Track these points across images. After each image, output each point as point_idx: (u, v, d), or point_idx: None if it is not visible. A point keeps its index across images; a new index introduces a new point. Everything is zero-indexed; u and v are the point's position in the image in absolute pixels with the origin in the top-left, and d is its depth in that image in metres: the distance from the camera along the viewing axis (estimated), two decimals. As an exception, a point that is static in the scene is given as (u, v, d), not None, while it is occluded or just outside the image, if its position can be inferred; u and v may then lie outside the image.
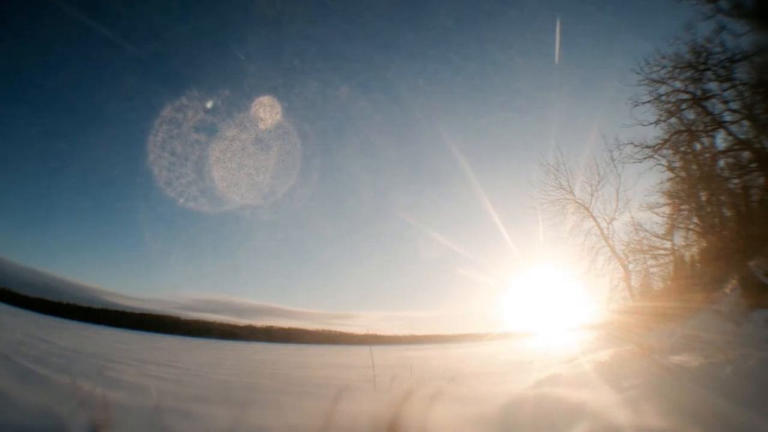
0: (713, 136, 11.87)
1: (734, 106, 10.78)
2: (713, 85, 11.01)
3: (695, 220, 13.47)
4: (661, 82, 11.66)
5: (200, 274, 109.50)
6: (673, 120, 12.04)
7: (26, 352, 9.40)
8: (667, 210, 14.06)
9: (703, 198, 12.94)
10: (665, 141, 12.27)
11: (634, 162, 13.01)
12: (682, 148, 12.70)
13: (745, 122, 10.68)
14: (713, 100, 11.11)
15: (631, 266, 14.42)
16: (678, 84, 11.56)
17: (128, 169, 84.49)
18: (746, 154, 10.96)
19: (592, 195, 14.68)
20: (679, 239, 14.16)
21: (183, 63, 72.08)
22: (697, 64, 10.94)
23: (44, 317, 36.58)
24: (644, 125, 12.17)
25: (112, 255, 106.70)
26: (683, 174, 13.38)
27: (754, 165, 10.65)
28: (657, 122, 12.04)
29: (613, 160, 14.00)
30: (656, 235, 14.23)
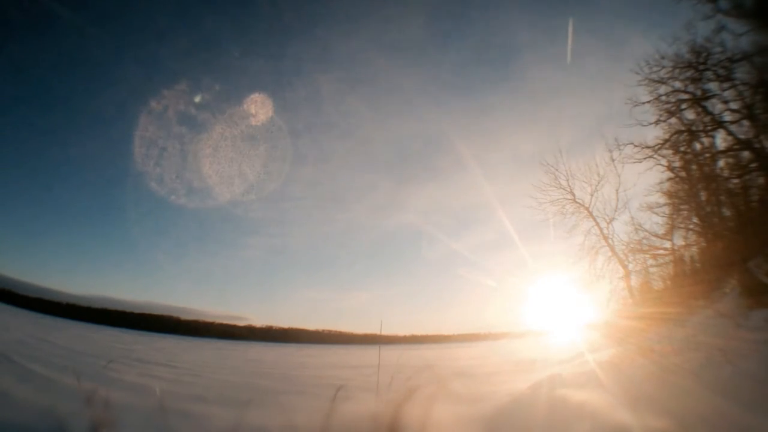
0: (713, 136, 11.83)
1: (734, 106, 10.74)
2: (713, 85, 10.97)
3: (695, 220, 13.42)
4: (661, 82, 11.63)
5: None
6: (673, 120, 12.01)
7: (26, 352, 9.37)
8: (667, 210, 14.03)
9: (703, 198, 12.88)
10: (665, 141, 12.23)
11: (634, 162, 12.95)
12: (682, 148, 12.65)
13: (745, 122, 10.64)
14: (713, 100, 11.07)
15: (631, 266, 14.40)
16: (678, 84, 11.52)
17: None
18: (746, 154, 10.92)
19: (592, 195, 14.67)
20: (679, 239, 14.12)
21: (180, 61, 72.01)
22: (697, 64, 10.91)
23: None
24: (644, 125, 12.14)
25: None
26: (683, 174, 13.32)
27: (754, 165, 10.62)
28: (657, 122, 12.00)
29: (613, 160, 13.99)
30: (656, 235, 14.19)
